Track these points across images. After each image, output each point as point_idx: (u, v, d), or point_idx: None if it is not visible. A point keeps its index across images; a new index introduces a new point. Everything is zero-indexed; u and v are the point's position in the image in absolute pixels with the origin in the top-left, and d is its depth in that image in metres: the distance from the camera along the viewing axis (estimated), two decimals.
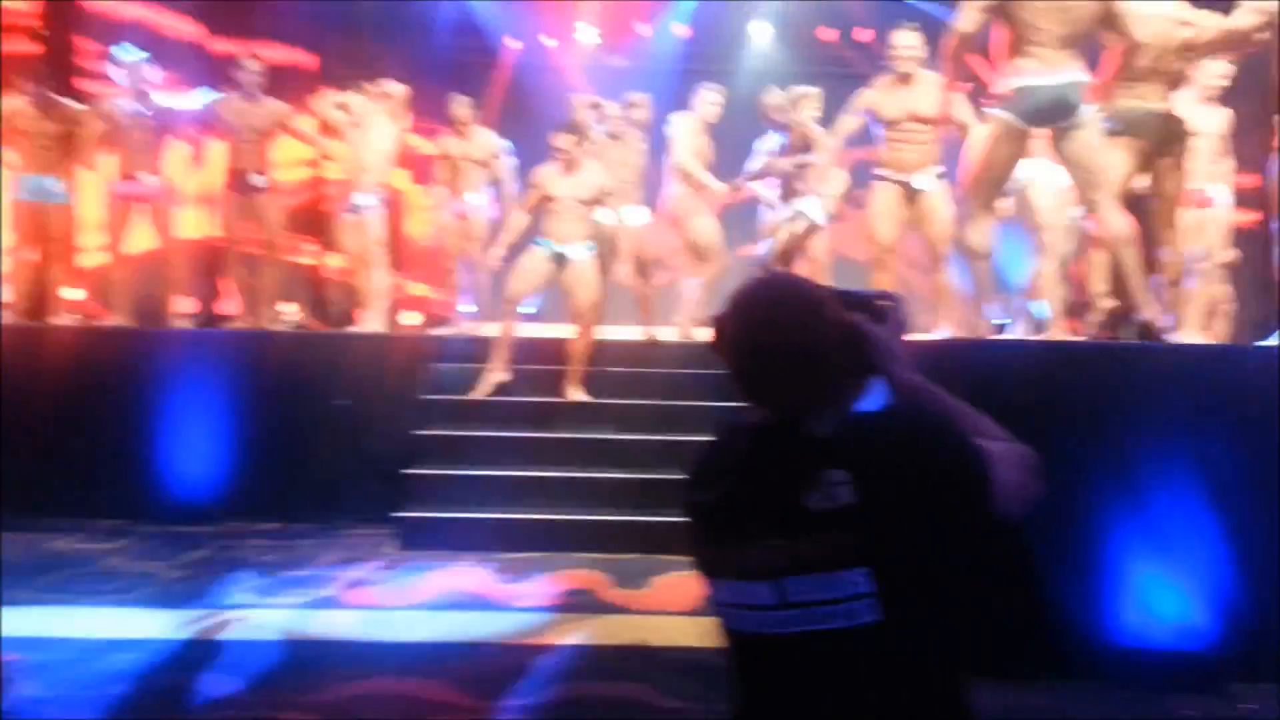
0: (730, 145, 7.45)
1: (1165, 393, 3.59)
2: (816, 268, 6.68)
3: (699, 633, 4.10)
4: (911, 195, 5.86)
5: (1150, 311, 4.17)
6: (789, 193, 6.69)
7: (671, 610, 4.67)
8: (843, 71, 10.37)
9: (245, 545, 5.65)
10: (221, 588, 4.87)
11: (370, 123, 7.11)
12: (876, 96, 5.93)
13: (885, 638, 1.38)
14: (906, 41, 5.84)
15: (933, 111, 5.65)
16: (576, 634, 4.37)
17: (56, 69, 6.90)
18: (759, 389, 1.48)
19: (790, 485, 1.40)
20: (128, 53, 6.87)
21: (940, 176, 5.87)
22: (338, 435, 6.28)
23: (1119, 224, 4.13)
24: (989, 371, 3.85)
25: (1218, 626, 3.27)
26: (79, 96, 7.05)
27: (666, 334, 7.07)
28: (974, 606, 3.53)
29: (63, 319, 6.64)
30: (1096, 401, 3.62)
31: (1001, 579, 3.57)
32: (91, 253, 6.92)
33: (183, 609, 4.54)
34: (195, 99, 7.10)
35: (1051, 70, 4.00)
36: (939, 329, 5.74)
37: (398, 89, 7.25)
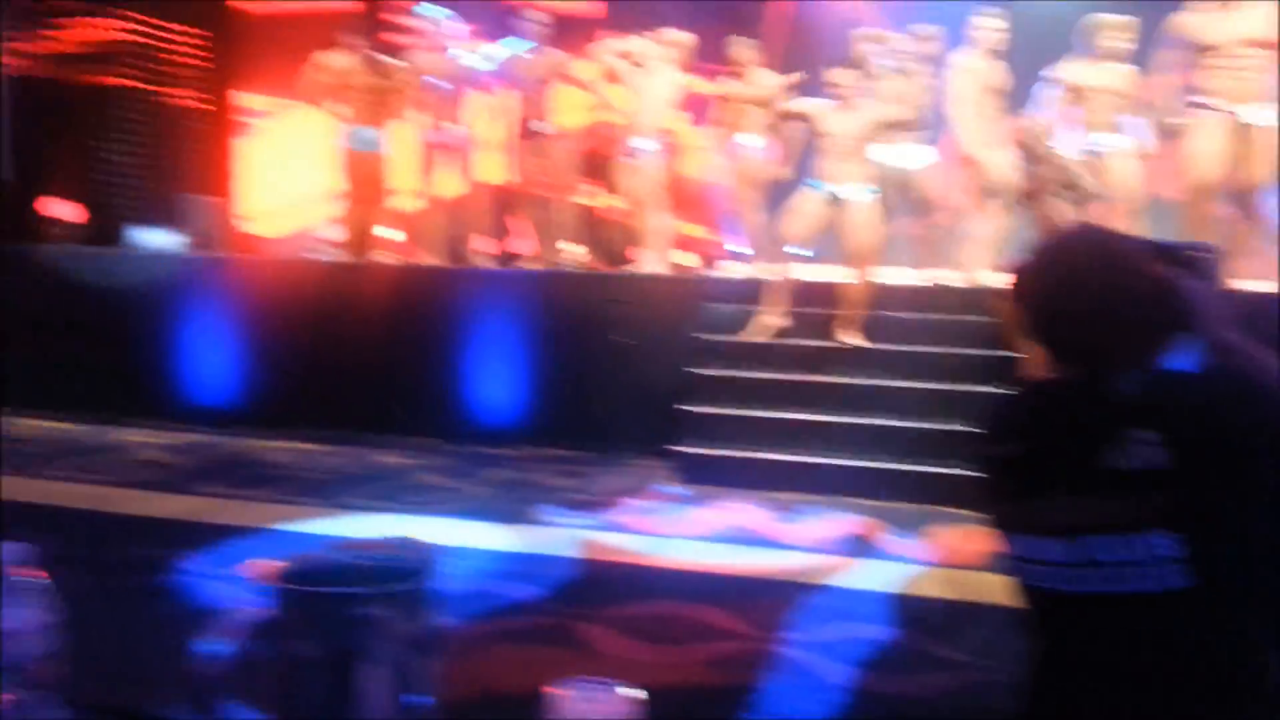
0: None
1: None
2: (1123, 210, 6.20)
3: (976, 586, 4.08)
4: (1239, 129, 5.32)
5: None
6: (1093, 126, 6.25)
7: (948, 563, 4.61)
8: None
9: (538, 468, 6.12)
10: (520, 505, 5.30)
11: (653, 69, 7.28)
12: (1197, 20, 5.37)
13: (1194, 604, 1.34)
14: None
15: (1267, 35, 5.06)
16: (851, 578, 4.41)
17: (372, 27, 7.51)
18: (1062, 344, 1.45)
19: (1092, 443, 1.37)
20: (430, 11, 7.39)
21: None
22: (617, 369, 6.61)
23: None
24: None
25: None
26: (393, 52, 7.68)
27: (949, 278, 6.85)
28: None
29: (381, 257, 7.35)
30: None
31: None
32: (405, 197, 7.59)
33: (487, 522, 5.00)
34: (497, 53, 7.53)
35: None
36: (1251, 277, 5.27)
37: (683, 37, 7.37)
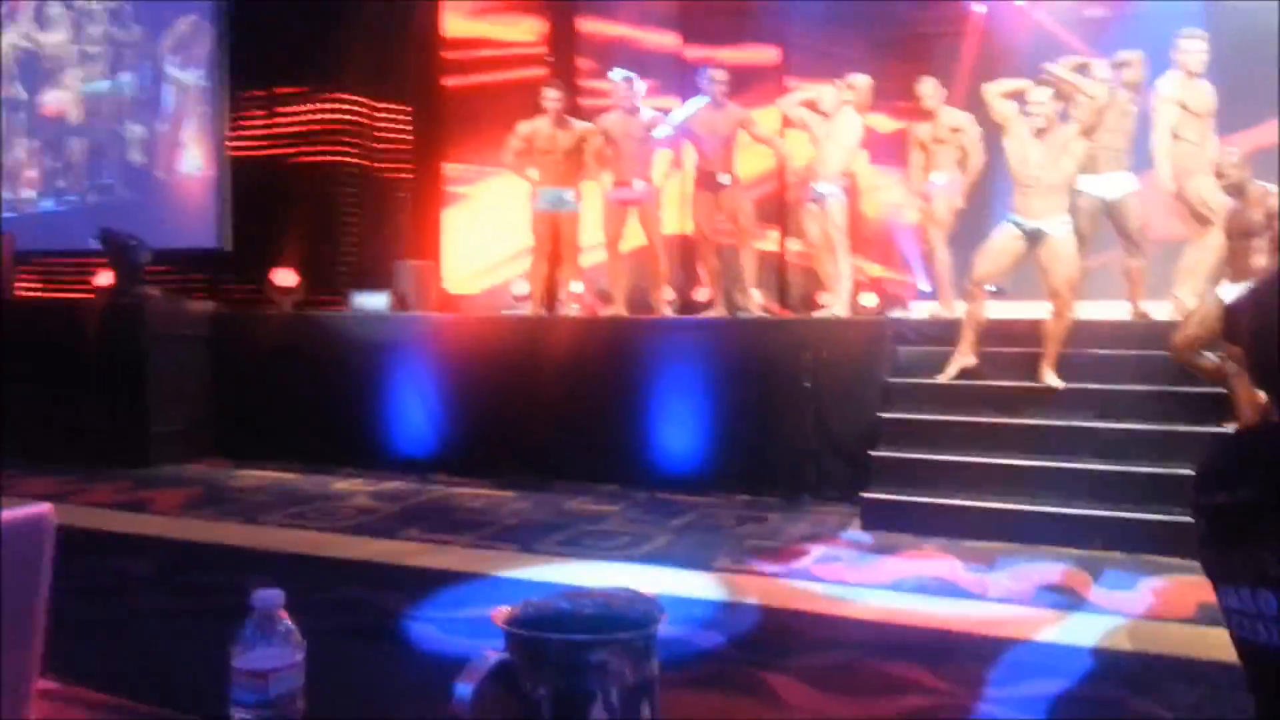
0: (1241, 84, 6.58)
1: None
2: None
3: (1188, 641, 3.76)
4: None
5: None
6: None
7: (1165, 616, 4.27)
8: None
9: (721, 515, 6.12)
10: (704, 552, 5.31)
11: (837, 115, 7.27)
12: None
13: None
14: None
15: None
16: (1056, 632, 4.15)
17: (563, 89, 7.87)
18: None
19: None
20: (617, 74, 7.68)
21: None
22: (803, 415, 6.55)
23: None
24: None
25: None
26: (582, 114, 8.01)
27: (1159, 311, 6.41)
28: None
29: (569, 310, 7.63)
30: None
31: None
32: (592, 251, 7.87)
33: (673, 568, 5.04)
34: (681, 111, 7.73)
35: None
36: None
37: (862, 81, 7.33)
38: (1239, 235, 5.39)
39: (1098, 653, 3.92)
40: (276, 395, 7.73)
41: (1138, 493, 5.15)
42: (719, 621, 4.32)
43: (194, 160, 9.79)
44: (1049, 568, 4.94)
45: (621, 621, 1.10)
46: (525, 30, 10.34)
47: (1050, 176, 5.95)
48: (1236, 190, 5.50)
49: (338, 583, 4.78)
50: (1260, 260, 5.17)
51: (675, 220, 8.29)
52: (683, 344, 6.93)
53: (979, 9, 10.75)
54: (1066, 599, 4.55)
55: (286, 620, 1.10)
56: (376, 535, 5.72)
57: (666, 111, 7.89)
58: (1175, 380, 5.43)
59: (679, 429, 6.70)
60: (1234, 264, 5.42)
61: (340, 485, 7.01)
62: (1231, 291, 5.10)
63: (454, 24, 9.87)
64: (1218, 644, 1.44)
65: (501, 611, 1.04)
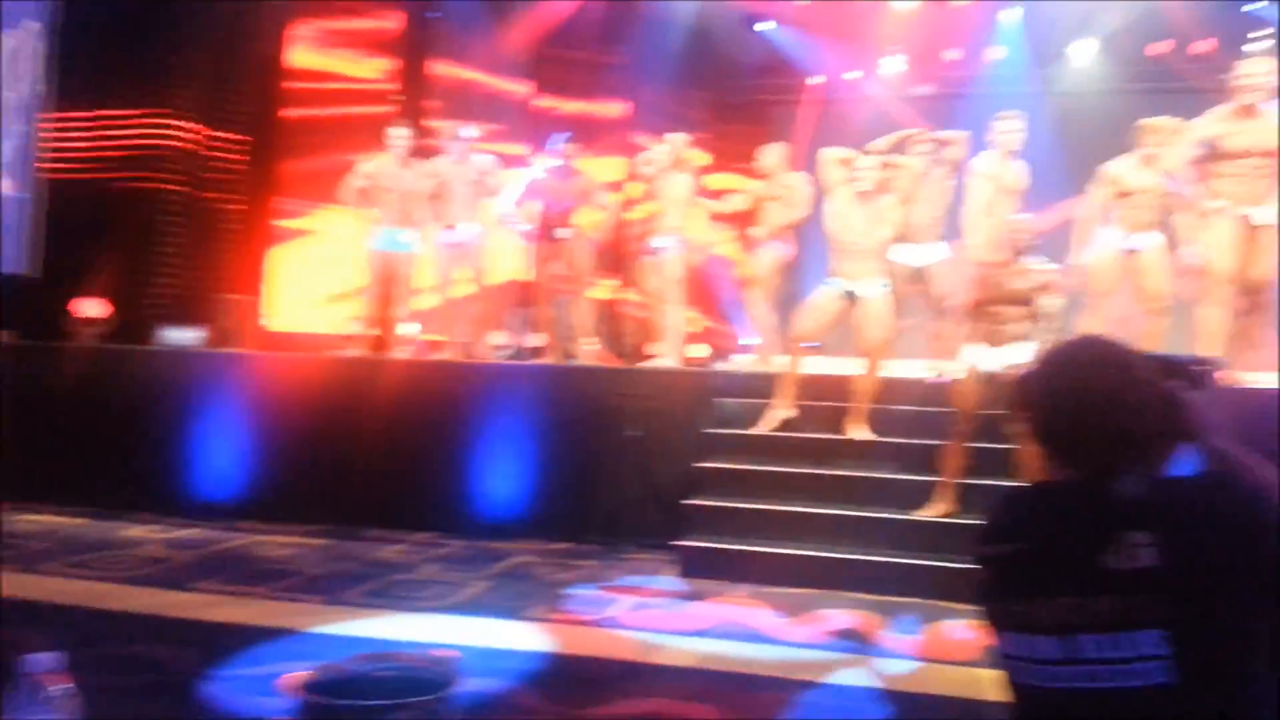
0: (1048, 168, 7.11)
1: None
2: (1152, 310, 6.17)
3: (973, 684, 3.94)
4: (1248, 229, 5.39)
5: None
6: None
7: (945, 659, 4.48)
8: (1174, 87, 9.56)
9: (539, 563, 6.08)
10: (518, 601, 5.26)
11: (669, 171, 7.48)
12: (1218, 128, 5.47)
13: (1180, 701, 1.36)
14: (1253, 69, 5.39)
15: (1276, 146, 5.18)
16: (848, 675, 4.29)
17: (410, 129, 7.82)
18: (1066, 447, 1.51)
19: (1091, 544, 1.43)
20: (459, 126, 7.74)
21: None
22: (627, 464, 6.62)
23: None
24: None
25: None
26: (427, 155, 7.99)
27: (955, 372, 6.79)
28: None
29: (400, 352, 7.52)
30: None
31: None
32: (425, 294, 7.80)
33: (484, 618, 4.96)
34: (520, 185, 7.84)
35: None
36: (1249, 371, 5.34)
37: (680, 139, 7.62)
38: (997, 300, 5.63)
39: (887, 694, 4.07)
40: (67, 433, 7.21)
41: (932, 541, 5.41)
42: (529, 672, 4.27)
43: (9, 181, 9.24)
44: (848, 614, 5.11)
45: (419, 685, 1.09)
46: (372, 68, 10.26)
47: (868, 242, 6.26)
48: (1013, 256, 5.80)
49: (124, 638, 4.49)
50: (1018, 330, 5.54)
51: (512, 267, 8.33)
52: (512, 390, 6.92)
53: (816, 80, 11.35)
54: (859, 643, 4.72)
55: (62, 683, 1.02)
56: (167, 586, 5.40)
57: (503, 157, 7.97)
58: (977, 436, 5.73)
59: (502, 476, 6.66)
60: (987, 330, 5.67)
61: (132, 532, 6.58)
62: (985, 357, 5.48)
63: (299, 55, 9.70)
64: (991, 685, 1.54)
65: (295, 676, 1.01)
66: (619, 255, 8.68)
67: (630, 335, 8.28)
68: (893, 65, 11.12)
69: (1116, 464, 1.45)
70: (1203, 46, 9.79)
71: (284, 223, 9.49)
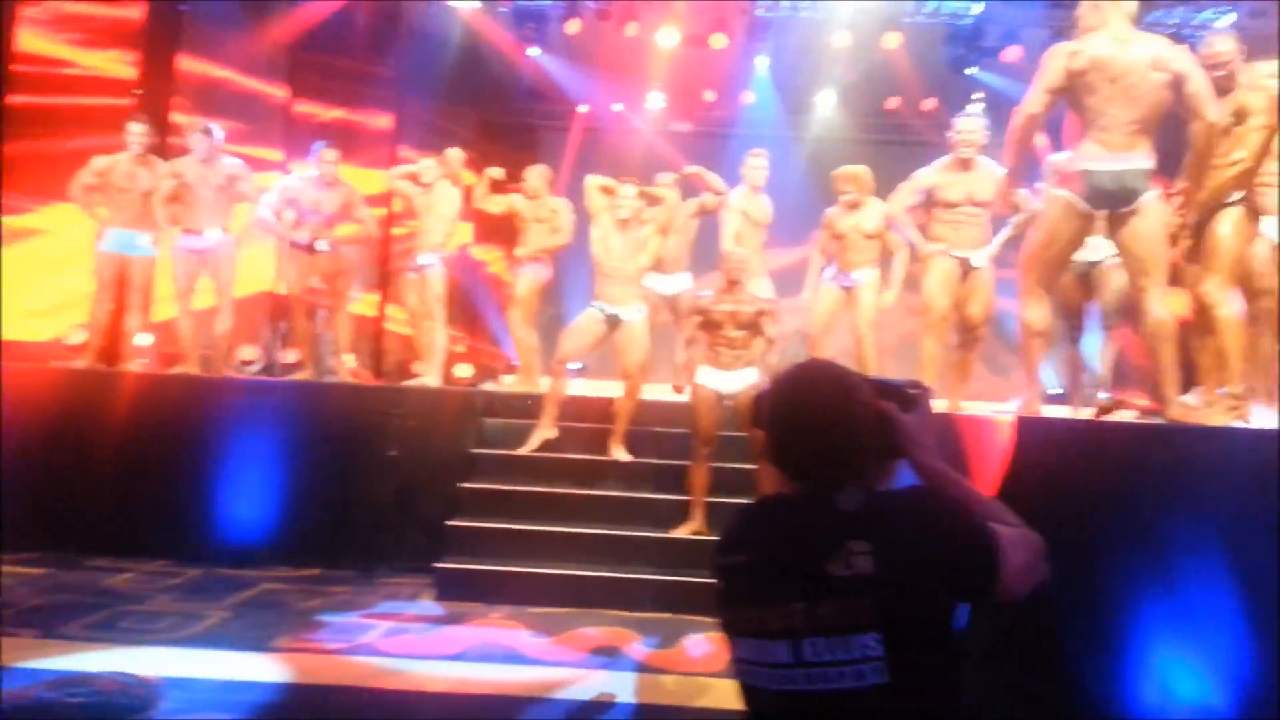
0: (798, 207, 7.58)
1: (1200, 473, 3.50)
2: (863, 341, 6.73)
3: (724, 694, 4.10)
4: (965, 271, 5.97)
5: (1176, 409, 4.03)
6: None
7: (699, 671, 4.65)
8: (908, 140, 10.52)
9: (288, 590, 5.78)
10: (263, 631, 4.98)
11: (436, 187, 7.37)
12: (938, 178, 6.05)
13: (891, 699, 1.47)
14: (969, 127, 5.98)
15: (989, 197, 5.79)
16: (603, 691, 4.36)
17: (150, 126, 7.26)
18: (794, 462, 1.63)
19: (815, 553, 1.53)
20: (209, 123, 7.25)
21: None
22: (386, 485, 6.44)
23: (1162, 315, 3.99)
24: (1029, 447, 3.82)
25: (1236, 702, 3.16)
26: (170, 154, 7.44)
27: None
28: (994, 677, 3.47)
29: (133, 365, 6.94)
30: (1131, 482, 3.55)
31: (1024, 652, 3.50)
32: (163, 303, 7.25)
33: (224, 650, 4.66)
34: (287, 179, 7.47)
35: (1116, 156, 3.93)
36: (962, 402, 5.93)
37: (455, 155, 7.52)
38: (722, 326, 5.90)
39: (638, 708, 4.18)
40: None
41: (685, 558, 5.62)
42: (275, 704, 4.05)
43: None
44: (606, 631, 5.20)
45: (112, 710, 1.00)
46: (114, 58, 9.47)
47: (628, 268, 6.44)
48: (728, 285, 6.00)
49: None
50: (744, 354, 5.85)
51: (264, 278, 7.91)
52: (260, 407, 6.55)
53: (583, 109, 11.59)
54: (617, 659, 4.82)
55: None
56: None
57: (255, 161, 7.58)
58: (720, 458, 6.01)
59: (247, 499, 6.27)
60: (714, 354, 5.92)
61: None
62: (714, 380, 5.80)
63: (29, 39, 8.80)
64: (730, 694, 1.63)
65: None
66: (381, 270, 8.47)
67: (392, 353, 8.07)
68: (655, 101, 11.55)
69: (838, 478, 1.58)
70: (929, 104, 10.80)
71: (8, 219, 8.55)
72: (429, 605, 5.61)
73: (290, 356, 7.68)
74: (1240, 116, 4.17)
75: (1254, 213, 4.31)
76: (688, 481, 5.93)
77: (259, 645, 4.76)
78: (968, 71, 10.04)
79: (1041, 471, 3.73)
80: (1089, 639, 3.33)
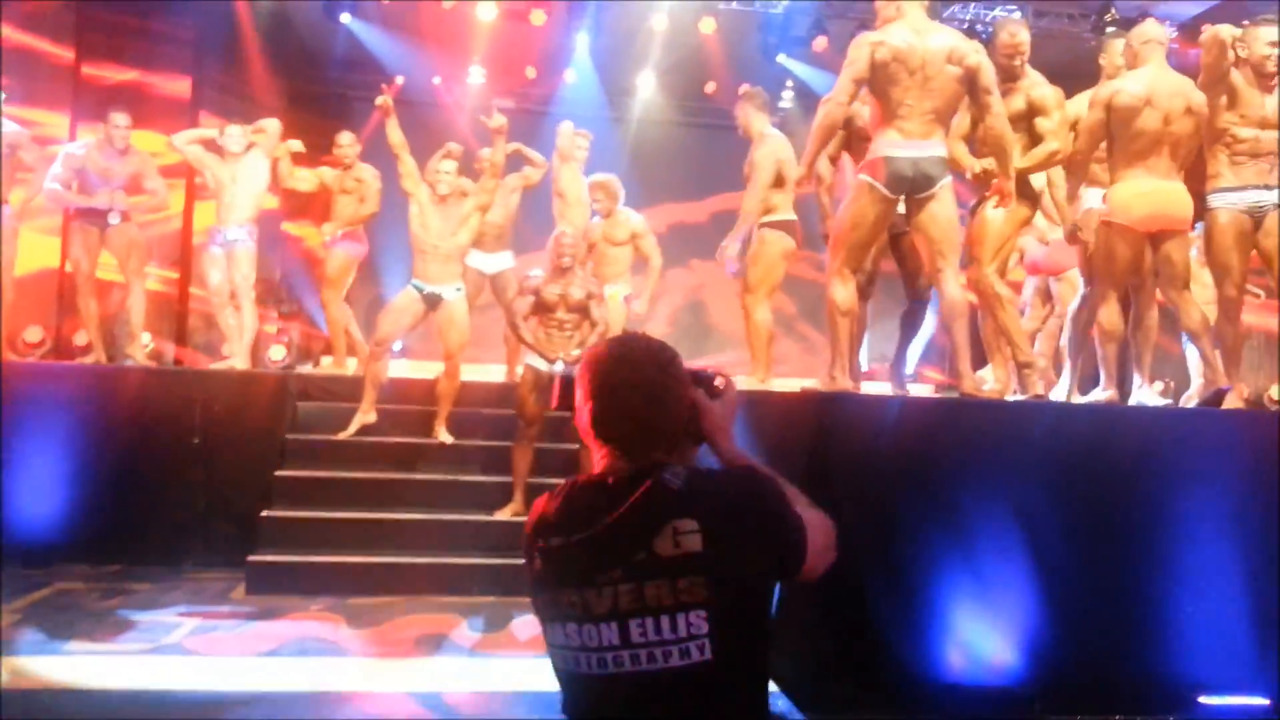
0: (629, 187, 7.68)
1: (992, 446, 3.77)
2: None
3: (539, 674, 4.13)
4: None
5: (969, 384, 4.28)
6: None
7: (529, 653, 4.66)
8: (725, 124, 10.77)
9: (84, 590, 5.41)
10: (56, 633, 4.64)
11: (243, 157, 6.98)
12: None
13: (715, 675, 1.50)
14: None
15: None
16: (428, 679, 4.31)
17: None
18: (616, 440, 1.61)
19: (642, 532, 1.52)
20: None
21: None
22: (190, 476, 6.10)
23: (956, 295, 4.20)
24: (836, 423, 3.99)
25: (1030, 665, 3.46)
26: None
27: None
28: (807, 644, 3.64)
29: None
30: (928, 455, 3.77)
31: (836, 620, 3.70)
32: None
33: (15, 656, 4.32)
34: (72, 147, 6.87)
35: (914, 143, 4.11)
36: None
37: (273, 126, 7.13)
38: (551, 308, 5.94)
39: (466, 695, 4.15)
40: None
41: (508, 540, 5.60)
42: (70, 714, 3.79)
43: None
44: (429, 618, 5.14)
45: None
46: None
47: (448, 245, 6.32)
48: (558, 266, 6.01)
49: None
50: (574, 336, 5.90)
51: (51, 253, 7.30)
52: (47, 394, 6.05)
53: (399, 81, 11.23)
54: (442, 644, 4.76)
55: None
56: None
57: (33, 126, 6.95)
58: (543, 437, 6.02)
59: (37, 492, 5.80)
60: (543, 335, 5.95)
61: None
62: (542, 361, 5.83)
63: None
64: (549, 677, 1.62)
65: None
66: (183, 245, 7.97)
67: (198, 334, 7.62)
68: (476, 76, 11.35)
69: (661, 454, 1.60)
70: (744, 90, 11.09)
71: None
72: (241, 601, 5.37)
73: (80, 338, 7.13)
74: (1036, 109, 4.49)
75: (1033, 200, 4.67)
76: (511, 463, 5.92)
77: (51, 649, 4.44)
78: (778, 59, 10.37)
79: (847, 446, 3.91)
80: (896, 606, 3.56)
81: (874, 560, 3.58)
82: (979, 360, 4.92)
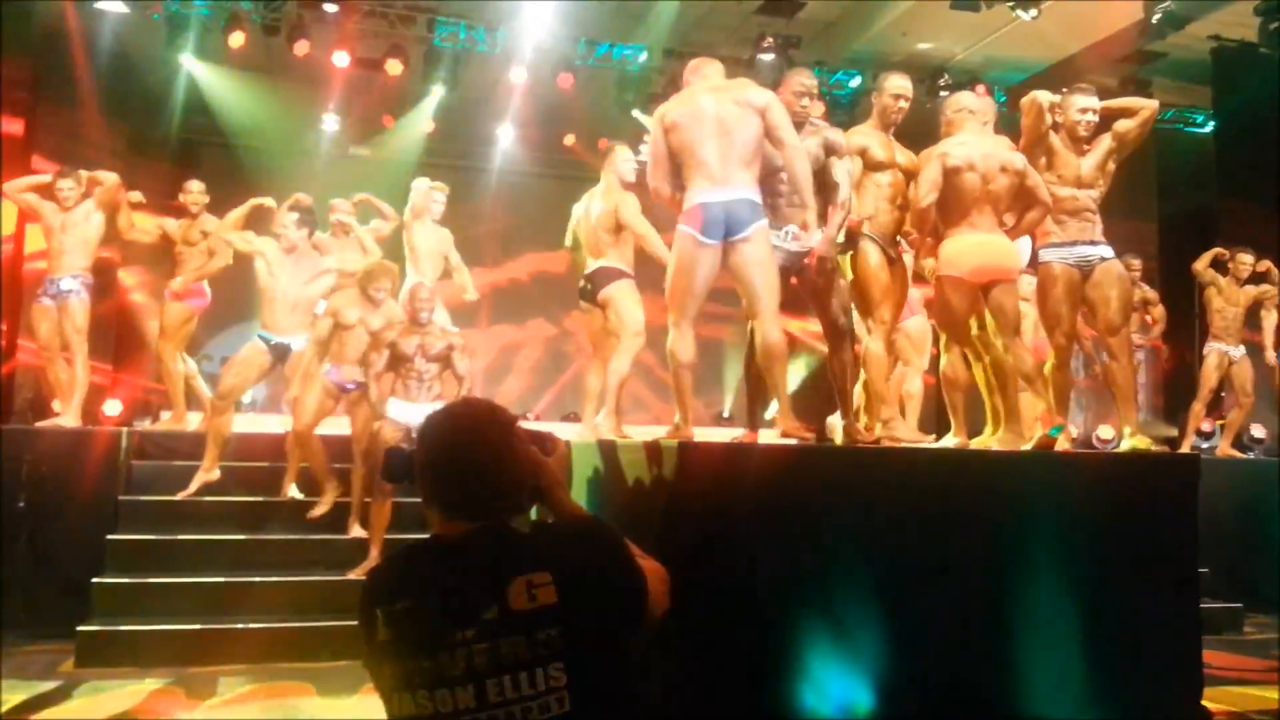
0: (477, 238, 7.65)
1: (839, 490, 3.87)
2: None
3: None
4: None
5: (788, 424, 4.27)
6: None
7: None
8: (586, 176, 10.89)
9: None
10: None
11: (79, 206, 6.64)
12: None
13: None
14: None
15: None
16: None
17: None
18: (459, 501, 1.61)
19: (495, 589, 1.50)
20: None
21: None
22: (14, 540, 5.68)
23: (773, 338, 4.19)
24: (685, 471, 4.00)
25: (879, 701, 3.55)
26: None
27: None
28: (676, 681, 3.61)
29: None
30: (777, 500, 3.80)
31: (696, 661, 3.70)
32: None
33: None
34: None
35: (722, 188, 4.17)
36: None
37: (109, 178, 6.81)
38: (407, 359, 5.87)
39: None
40: None
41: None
42: None
43: None
44: (277, 685, 4.89)
45: None
46: None
47: (296, 294, 6.15)
48: (413, 318, 5.97)
49: None
50: (434, 388, 5.85)
51: None
52: None
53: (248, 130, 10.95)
54: (291, 714, 4.54)
55: None
56: None
57: None
58: (400, 491, 5.86)
59: None
60: (403, 387, 5.89)
61: None
62: (403, 413, 5.71)
63: None
64: None
65: None
66: (10, 295, 7.49)
67: (26, 389, 7.14)
68: (331, 124, 11.18)
69: (507, 511, 1.62)
70: (603, 144, 11.27)
71: None
72: (70, 674, 4.99)
73: None
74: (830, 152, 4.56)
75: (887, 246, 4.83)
76: (369, 518, 5.73)
77: None
78: (635, 114, 10.59)
79: (694, 495, 3.87)
80: (755, 647, 3.59)
81: (735, 600, 3.61)
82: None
